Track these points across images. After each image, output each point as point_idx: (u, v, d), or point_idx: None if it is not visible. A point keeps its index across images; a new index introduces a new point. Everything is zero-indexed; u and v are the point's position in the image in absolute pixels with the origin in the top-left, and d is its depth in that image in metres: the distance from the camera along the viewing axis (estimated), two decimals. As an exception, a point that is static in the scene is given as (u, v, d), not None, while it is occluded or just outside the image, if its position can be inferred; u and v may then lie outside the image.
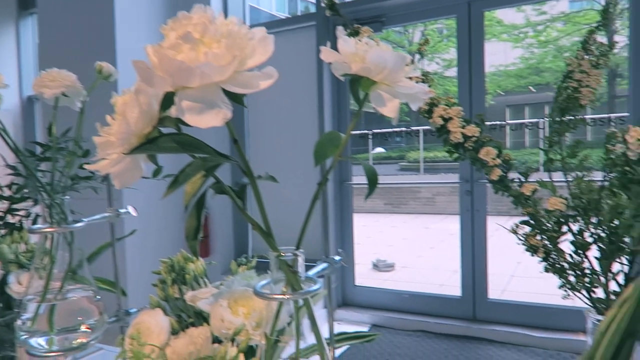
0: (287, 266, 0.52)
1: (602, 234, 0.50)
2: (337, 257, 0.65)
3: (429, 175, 10.38)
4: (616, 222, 0.49)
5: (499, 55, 10.69)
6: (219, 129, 0.55)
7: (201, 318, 0.77)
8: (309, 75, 3.43)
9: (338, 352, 3.13)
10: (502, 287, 4.36)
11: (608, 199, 0.50)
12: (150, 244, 3.04)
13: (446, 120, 0.54)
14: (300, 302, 0.54)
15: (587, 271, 0.51)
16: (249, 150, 3.70)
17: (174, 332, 0.74)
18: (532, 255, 0.50)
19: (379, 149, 12.83)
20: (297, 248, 0.53)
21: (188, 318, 0.79)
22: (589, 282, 0.51)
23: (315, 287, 0.52)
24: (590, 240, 0.51)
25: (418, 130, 11.10)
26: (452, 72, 2.96)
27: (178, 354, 0.68)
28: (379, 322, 3.50)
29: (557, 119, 0.58)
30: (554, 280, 0.54)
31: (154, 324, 0.70)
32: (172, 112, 0.45)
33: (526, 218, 0.51)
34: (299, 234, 0.54)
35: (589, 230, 0.51)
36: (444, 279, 4.79)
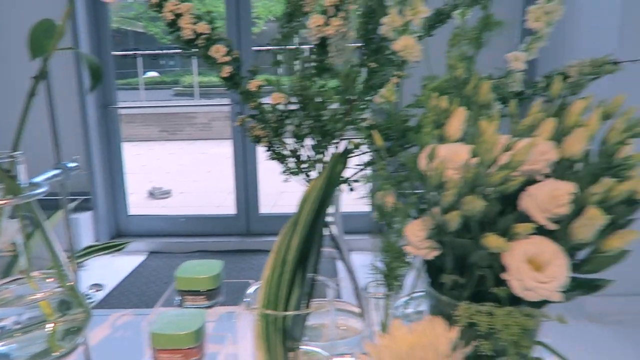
0: (1, 170, 0.47)
1: (316, 125, 0.58)
2: (71, 164, 0.61)
3: (205, 101, 10.23)
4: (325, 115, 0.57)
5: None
6: None
7: None
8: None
9: (113, 282, 2.98)
10: (273, 203, 4.72)
11: (319, 96, 0.58)
12: None
13: (178, 16, 0.54)
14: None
15: (304, 158, 0.59)
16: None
17: None
18: (256, 145, 0.56)
19: (153, 73, 11.99)
20: (14, 150, 0.48)
21: None
22: (306, 167, 0.59)
23: (37, 191, 0.48)
24: (306, 131, 0.59)
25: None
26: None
27: None
28: (157, 248, 3.47)
29: (285, 25, 0.63)
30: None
31: None
32: None
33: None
34: (16, 135, 0.48)
35: (306, 122, 0.59)
36: (221, 200, 4.94)
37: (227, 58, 0.54)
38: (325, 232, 0.64)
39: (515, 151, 0.37)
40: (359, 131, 0.59)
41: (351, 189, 0.60)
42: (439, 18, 0.72)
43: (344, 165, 0.52)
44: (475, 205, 0.37)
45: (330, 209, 0.64)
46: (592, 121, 0.42)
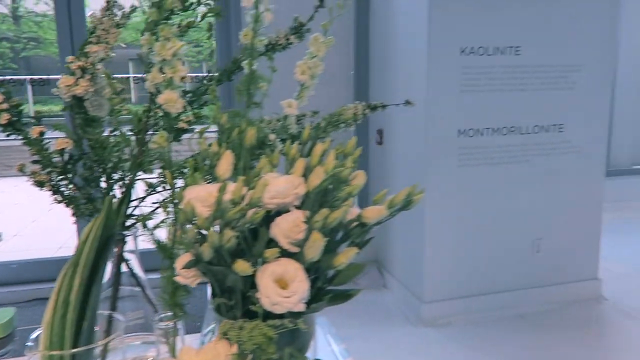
0: None
1: (104, 168, 0.61)
2: None
3: (45, 132, 9.26)
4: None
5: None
6: None
7: None
8: None
9: None
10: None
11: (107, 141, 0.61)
12: None
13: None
14: None
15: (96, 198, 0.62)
16: None
17: None
18: (41, 190, 0.57)
19: (-21, 102, 10.53)
20: None
21: None
22: (98, 208, 0.61)
23: None
24: (97, 173, 0.61)
25: (24, 80, 9.46)
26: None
27: None
28: (-18, 301, 3.05)
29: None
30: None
31: None
32: None
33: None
34: None
35: (97, 166, 0.61)
36: (63, 240, 4.54)
37: (5, 105, 0.55)
38: (124, 269, 0.66)
39: (253, 190, 0.44)
40: (150, 172, 0.63)
41: (145, 227, 0.63)
42: (235, 66, 0.80)
43: (126, 205, 0.56)
44: (224, 237, 0.43)
45: (130, 247, 0.67)
46: (329, 161, 0.52)
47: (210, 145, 0.53)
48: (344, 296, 0.55)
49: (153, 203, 0.64)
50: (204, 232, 0.46)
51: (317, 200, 0.48)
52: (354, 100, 3.26)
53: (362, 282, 3.30)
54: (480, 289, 2.82)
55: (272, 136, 0.70)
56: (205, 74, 0.80)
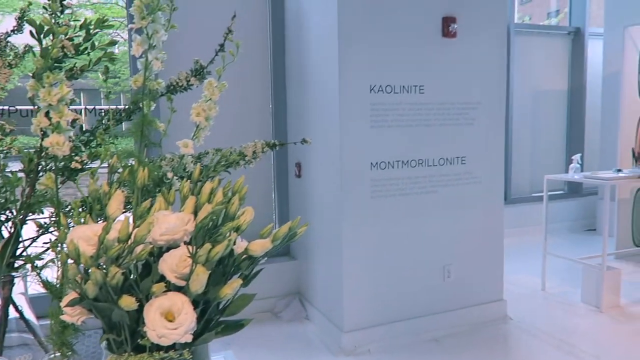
0: None
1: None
2: None
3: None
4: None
5: (24, 37, 9.81)
6: None
7: None
8: None
9: None
10: None
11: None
12: None
13: None
14: None
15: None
16: None
17: None
18: None
19: None
20: None
21: None
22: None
23: None
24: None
25: None
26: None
27: None
28: None
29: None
30: None
31: None
32: None
33: None
34: None
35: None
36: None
37: None
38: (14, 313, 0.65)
39: (139, 228, 0.47)
40: (40, 212, 0.63)
41: (36, 267, 0.63)
42: (135, 106, 0.82)
43: (13, 246, 0.56)
44: (109, 274, 0.45)
45: (20, 289, 0.66)
46: (217, 198, 0.55)
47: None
48: (235, 326, 0.58)
49: (44, 243, 0.64)
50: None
51: (204, 236, 0.51)
52: (273, 135, 3.31)
53: (285, 315, 3.30)
54: (396, 315, 2.92)
55: (170, 174, 0.73)
56: (109, 109, 0.82)
